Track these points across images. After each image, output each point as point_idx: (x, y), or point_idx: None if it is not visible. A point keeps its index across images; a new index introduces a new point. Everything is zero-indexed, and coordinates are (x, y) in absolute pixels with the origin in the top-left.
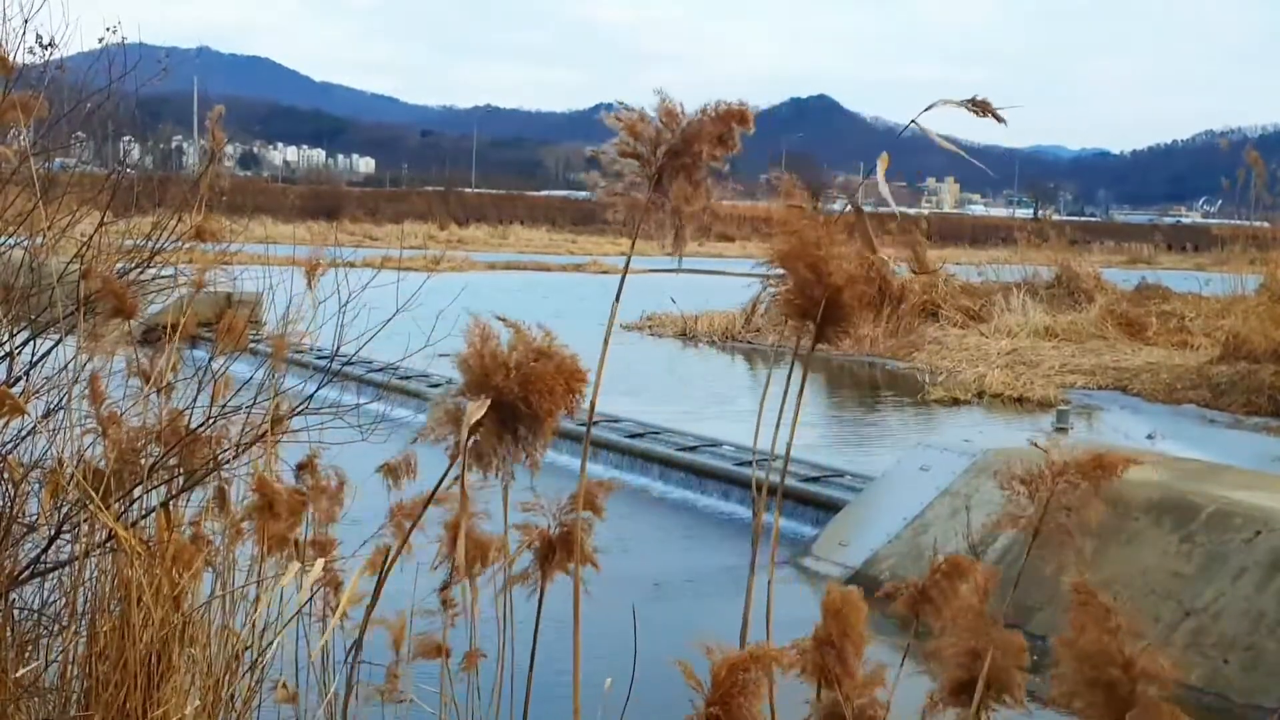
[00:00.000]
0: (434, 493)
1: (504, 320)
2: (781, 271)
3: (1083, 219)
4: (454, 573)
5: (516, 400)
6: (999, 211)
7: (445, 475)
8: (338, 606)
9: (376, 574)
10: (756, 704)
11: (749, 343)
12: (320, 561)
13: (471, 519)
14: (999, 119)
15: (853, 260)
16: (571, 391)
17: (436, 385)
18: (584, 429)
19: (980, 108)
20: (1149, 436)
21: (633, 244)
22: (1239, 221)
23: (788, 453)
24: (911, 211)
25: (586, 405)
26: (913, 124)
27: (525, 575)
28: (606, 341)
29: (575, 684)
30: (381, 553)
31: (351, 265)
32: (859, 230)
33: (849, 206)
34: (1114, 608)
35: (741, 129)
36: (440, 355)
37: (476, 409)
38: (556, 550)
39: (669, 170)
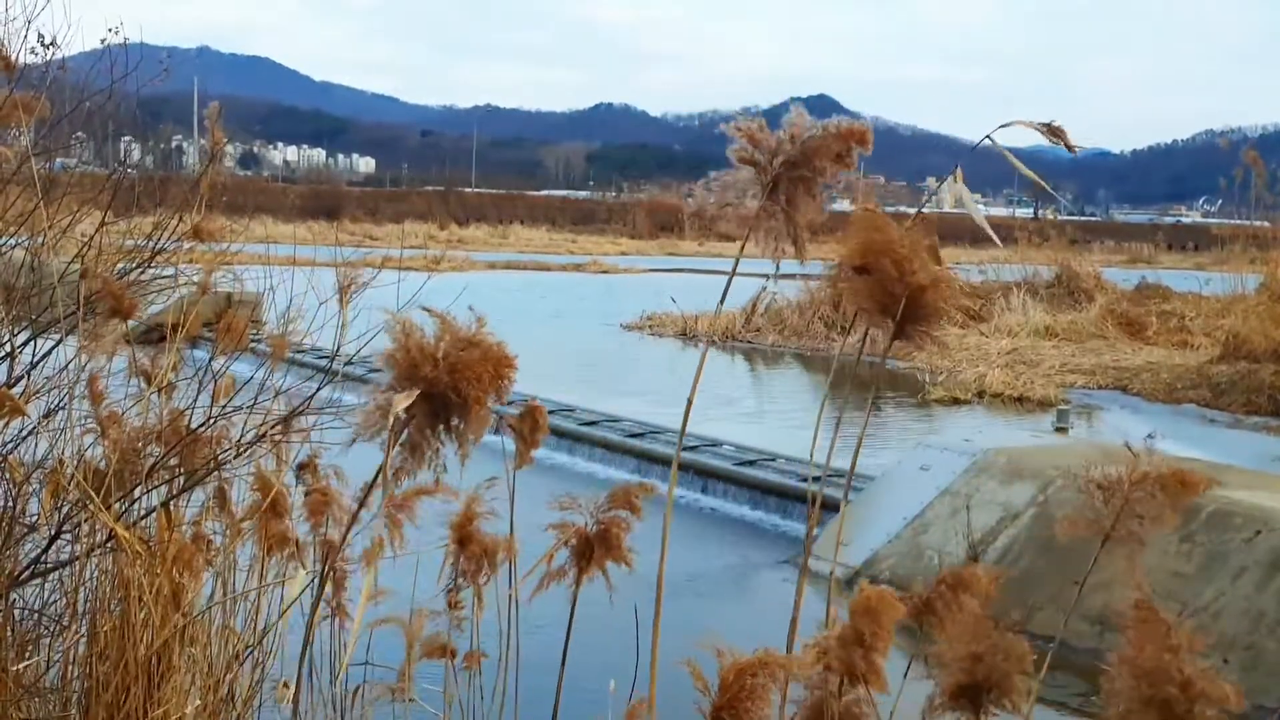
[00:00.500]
0: (371, 485)
1: (429, 311)
2: (858, 266)
3: (1083, 218)
4: (458, 575)
5: (447, 390)
6: (999, 211)
7: (378, 471)
8: (343, 605)
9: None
10: (765, 708)
11: (749, 343)
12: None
13: (476, 521)
14: (1070, 148)
15: (930, 263)
16: (499, 377)
17: None
18: (584, 429)
19: (1053, 133)
20: (1149, 436)
21: (741, 248)
22: (1239, 221)
23: (824, 458)
24: (912, 211)
25: (678, 426)
26: (988, 139)
27: (561, 573)
28: (703, 359)
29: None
30: (377, 545)
31: (353, 265)
32: (926, 240)
33: (916, 214)
34: (1175, 625)
35: (860, 149)
36: (347, 364)
37: (403, 399)
38: (595, 548)
39: (785, 181)
